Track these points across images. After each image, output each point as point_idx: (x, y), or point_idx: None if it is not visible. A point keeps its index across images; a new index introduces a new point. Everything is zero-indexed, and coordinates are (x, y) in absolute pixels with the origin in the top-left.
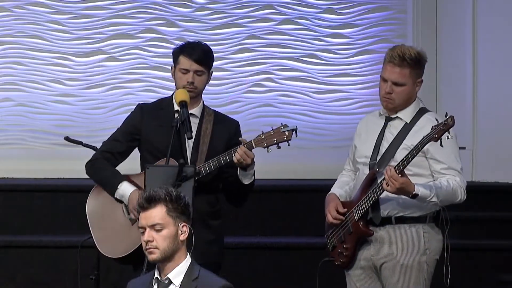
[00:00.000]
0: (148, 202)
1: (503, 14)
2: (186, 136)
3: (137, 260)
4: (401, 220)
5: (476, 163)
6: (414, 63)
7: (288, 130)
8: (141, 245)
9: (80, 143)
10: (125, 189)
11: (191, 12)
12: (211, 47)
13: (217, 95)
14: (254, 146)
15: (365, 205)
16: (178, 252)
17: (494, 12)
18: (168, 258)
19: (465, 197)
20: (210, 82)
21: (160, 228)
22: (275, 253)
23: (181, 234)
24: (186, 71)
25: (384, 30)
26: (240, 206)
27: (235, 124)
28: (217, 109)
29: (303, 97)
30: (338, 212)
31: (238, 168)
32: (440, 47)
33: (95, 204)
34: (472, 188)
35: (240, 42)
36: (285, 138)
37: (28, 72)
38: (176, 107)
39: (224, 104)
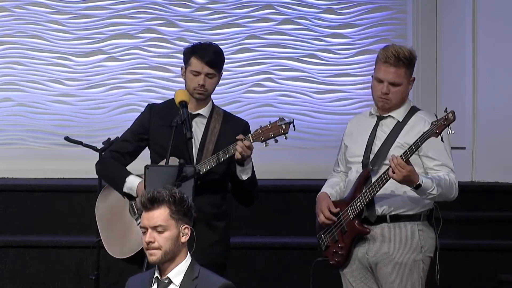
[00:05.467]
0: (152, 203)
1: (503, 14)
2: (186, 135)
3: (143, 259)
4: (396, 218)
5: (476, 163)
6: (409, 62)
7: (285, 123)
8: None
9: (80, 143)
10: (132, 181)
11: (191, 12)
12: None
13: (217, 95)
14: (252, 141)
15: (361, 204)
16: (179, 254)
17: (494, 12)
18: (168, 259)
19: (457, 194)
20: None
21: (162, 230)
22: (275, 253)
23: (182, 236)
24: (198, 73)
25: (384, 30)
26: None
27: (244, 124)
28: None
29: (303, 97)
30: (330, 211)
31: (236, 165)
32: (440, 47)
33: (103, 206)
34: (472, 188)
35: (240, 42)
36: (282, 132)
37: (28, 72)
38: None
39: (224, 104)
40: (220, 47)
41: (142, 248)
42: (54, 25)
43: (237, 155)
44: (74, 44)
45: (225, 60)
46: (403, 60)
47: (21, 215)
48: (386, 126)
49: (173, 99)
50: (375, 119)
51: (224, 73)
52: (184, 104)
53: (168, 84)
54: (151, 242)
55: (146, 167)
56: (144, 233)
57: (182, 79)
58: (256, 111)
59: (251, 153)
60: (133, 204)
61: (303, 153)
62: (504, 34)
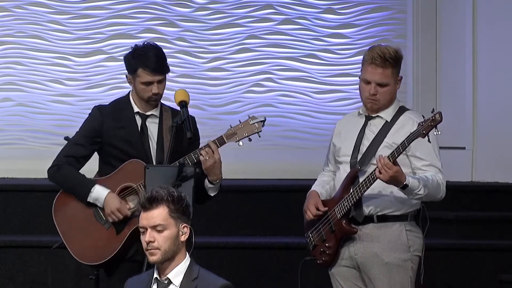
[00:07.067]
0: (150, 202)
1: (503, 14)
2: (186, 135)
3: (111, 265)
4: (383, 218)
5: (476, 163)
6: (395, 62)
7: (257, 122)
8: (118, 251)
9: None
10: (99, 192)
11: (191, 12)
12: (211, 47)
13: (217, 95)
14: (226, 141)
15: (348, 204)
16: (178, 253)
17: (494, 12)
18: (168, 259)
19: (444, 195)
20: (210, 82)
21: (162, 229)
22: (275, 253)
23: (182, 235)
24: (150, 83)
25: (384, 30)
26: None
27: (192, 118)
28: (216, 109)
29: (303, 97)
30: (318, 210)
31: (206, 180)
32: (440, 47)
33: (65, 211)
34: (472, 188)
35: (240, 42)
36: (256, 130)
37: (28, 72)
38: (136, 109)
39: (224, 104)
40: (162, 48)
41: (114, 254)
42: (54, 25)
43: (202, 160)
44: (74, 44)
45: (225, 60)
46: (390, 61)
47: (21, 215)
48: (375, 126)
49: (119, 99)
50: (364, 119)
51: (224, 73)
52: (184, 104)
53: (168, 84)
54: (151, 241)
55: (146, 167)
56: (143, 233)
57: (182, 79)
58: (256, 111)
59: (219, 164)
60: (99, 210)
61: (303, 153)
62: (504, 34)
